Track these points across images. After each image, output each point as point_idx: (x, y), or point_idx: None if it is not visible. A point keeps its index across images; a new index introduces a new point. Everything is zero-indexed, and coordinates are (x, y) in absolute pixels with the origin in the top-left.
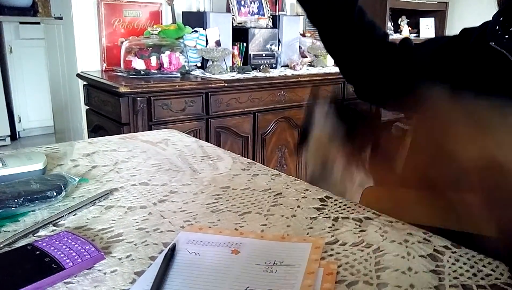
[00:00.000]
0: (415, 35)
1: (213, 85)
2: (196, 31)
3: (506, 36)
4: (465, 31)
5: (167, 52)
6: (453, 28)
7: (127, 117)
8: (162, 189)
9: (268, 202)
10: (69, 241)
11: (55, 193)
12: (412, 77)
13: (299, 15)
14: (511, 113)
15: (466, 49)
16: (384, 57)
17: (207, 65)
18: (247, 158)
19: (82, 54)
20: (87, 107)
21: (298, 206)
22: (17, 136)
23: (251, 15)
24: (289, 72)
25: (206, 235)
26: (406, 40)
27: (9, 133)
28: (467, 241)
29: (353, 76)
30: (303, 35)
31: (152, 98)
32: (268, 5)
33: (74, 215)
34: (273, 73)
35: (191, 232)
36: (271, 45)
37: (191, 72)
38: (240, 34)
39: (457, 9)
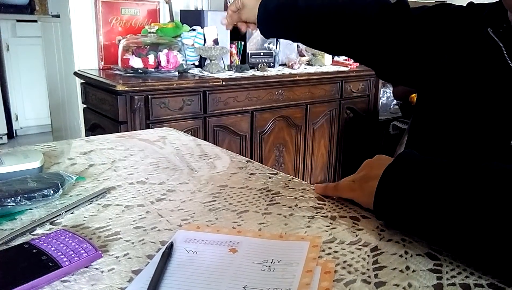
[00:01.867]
0: None
1: (210, 83)
2: (194, 30)
3: (504, 25)
4: (472, 6)
5: (165, 51)
6: None
7: (124, 116)
8: (160, 188)
9: (265, 200)
10: (66, 239)
11: (52, 192)
12: (411, 48)
13: None
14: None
15: (468, 28)
16: (383, 33)
17: (205, 64)
18: (245, 156)
19: (80, 52)
20: (85, 106)
21: (296, 205)
22: (14, 135)
23: None
24: (287, 71)
25: (203, 233)
26: (403, 1)
27: (6, 132)
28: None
29: (365, 60)
30: None
31: (149, 96)
32: None
33: (71, 213)
34: (271, 72)
35: (188, 231)
36: (269, 44)
37: (188, 71)
38: (238, 33)
39: (456, 3)
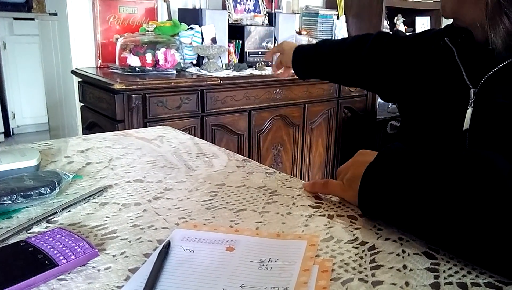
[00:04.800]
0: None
1: (208, 82)
2: (191, 28)
3: (463, 36)
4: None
5: (163, 49)
6: None
7: (122, 114)
8: (157, 186)
9: (263, 199)
10: (63, 237)
11: (48, 190)
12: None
13: (295, 13)
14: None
15: (435, 42)
16: (369, 65)
17: (203, 62)
18: (243, 155)
19: (77, 51)
20: (82, 104)
21: (293, 204)
22: (11, 133)
23: (247, 12)
24: None
25: (201, 232)
26: (395, 35)
27: (3, 130)
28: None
29: (371, 89)
30: (299, 33)
31: (147, 95)
32: (264, 3)
33: (68, 211)
34: (269, 70)
35: (185, 229)
36: (267, 42)
37: (186, 69)
38: (236, 32)
39: None
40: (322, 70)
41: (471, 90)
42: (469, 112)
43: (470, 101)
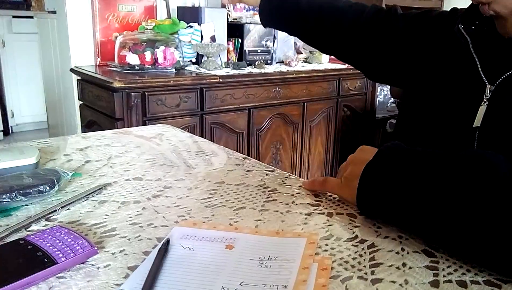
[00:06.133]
0: None
1: (207, 80)
2: (191, 26)
3: (477, 22)
4: (454, 10)
5: (162, 47)
6: None
7: (121, 113)
8: (156, 184)
9: (262, 197)
10: (62, 235)
11: (48, 188)
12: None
13: None
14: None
15: (444, 28)
16: (372, 39)
17: (202, 61)
18: (242, 154)
19: (76, 49)
20: (81, 102)
21: (293, 202)
22: (10, 131)
23: (246, 10)
24: (284, 68)
25: (200, 230)
26: (394, 10)
27: (2, 128)
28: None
29: (354, 62)
30: None
31: (146, 93)
32: None
33: (67, 209)
34: (268, 69)
35: (185, 227)
36: (267, 41)
37: (185, 68)
38: (235, 30)
39: (452, 6)
40: (301, 29)
41: (487, 87)
42: (482, 109)
43: (484, 98)
